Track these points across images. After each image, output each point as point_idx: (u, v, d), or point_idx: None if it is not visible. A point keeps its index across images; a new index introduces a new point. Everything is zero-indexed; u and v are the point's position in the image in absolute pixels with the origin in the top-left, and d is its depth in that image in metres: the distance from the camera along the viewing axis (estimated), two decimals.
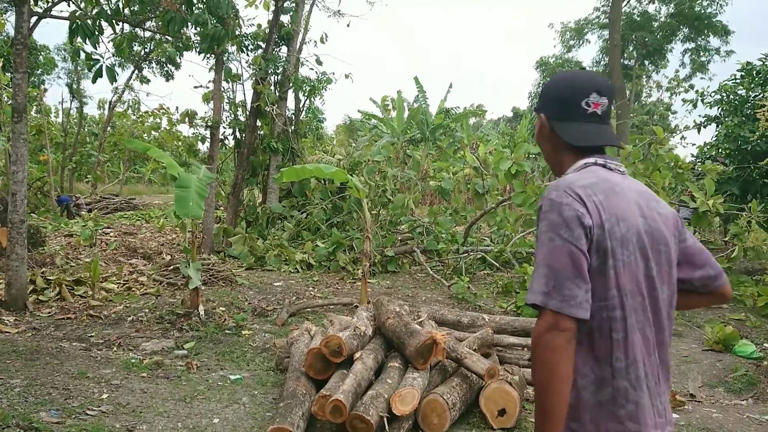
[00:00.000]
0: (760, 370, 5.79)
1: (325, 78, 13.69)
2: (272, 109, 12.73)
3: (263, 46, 13.12)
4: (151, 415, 4.42)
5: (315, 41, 14.21)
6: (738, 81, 12.34)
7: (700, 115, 14.22)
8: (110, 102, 23.19)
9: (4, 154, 17.03)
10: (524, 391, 4.98)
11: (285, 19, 13.27)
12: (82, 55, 7.82)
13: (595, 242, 1.59)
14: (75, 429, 3.96)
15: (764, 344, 6.53)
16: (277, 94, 13.01)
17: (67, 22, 7.09)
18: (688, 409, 5.01)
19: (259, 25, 13.41)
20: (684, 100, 14.43)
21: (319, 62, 13.74)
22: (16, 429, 3.80)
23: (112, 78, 7.51)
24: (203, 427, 4.30)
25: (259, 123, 13.15)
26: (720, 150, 11.96)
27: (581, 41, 26.71)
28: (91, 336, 6.37)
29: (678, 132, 32.30)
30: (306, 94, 13.68)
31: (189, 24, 7.57)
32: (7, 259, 7.08)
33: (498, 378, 4.56)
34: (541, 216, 1.65)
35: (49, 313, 7.15)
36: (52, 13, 7.34)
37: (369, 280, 8.74)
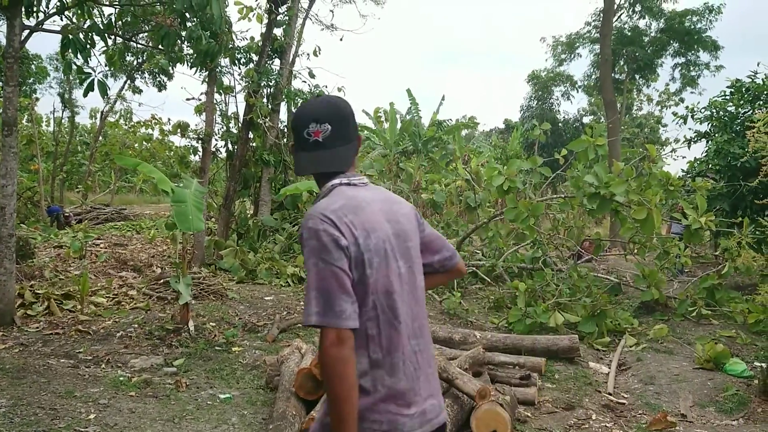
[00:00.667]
0: (751, 390, 5.80)
1: (318, 91, 13.71)
2: (265, 122, 12.72)
3: (256, 58, 13.13)
4: None
5: (308, 54, 14.23)
6: (727, 97, 12.45)
7: (690, 129, 14.32)
8: (102, 112, 23.11)
9: None
10: (515, 411, 4.96)
11: (278, 32, 13.29)
12: (74, 68, 7.79)
13: (353, 259, 1.81)
14: None
15: (755, 363, 6.54)
16: (270, 106, 13.01)
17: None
18: (679, 430, 5.00)
19: (252, 38, 13.42)
20: (674, 114, 14.55)
21: (311, 75, 13.77)
22: None
23: (104, 92, 7.48)
24: None
25: (251, 135, 13.13)
26: (710, 165, 12.04)
27: (572, 55, 26.88)
28: (80, 352, 6.30)
29: (669, 145, 32.55)
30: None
31: (183, 38, 7.56)
32: None
33: (489, 399, 4.54)
34: (304, 243, 1.85)
35: (37, 328, 7.07)
36: (44, 26, 7.31)
37: None
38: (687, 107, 13.39)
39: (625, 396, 5.97)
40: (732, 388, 5.81)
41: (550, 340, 6.87)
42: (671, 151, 19.47)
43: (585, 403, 5.66)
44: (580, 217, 13.51)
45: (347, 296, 1.77)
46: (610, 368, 6.68)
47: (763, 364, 5.90)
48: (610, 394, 5.94)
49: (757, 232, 8.47)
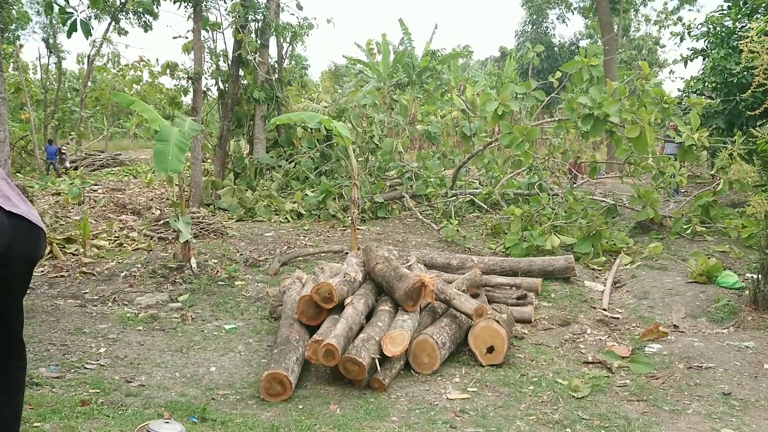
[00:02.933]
0: (742, 300, 5.95)
1: (306, 23, 13.40)
2: (254, 58, 12.50)
3: None
4: (149, 367, 4.53)
5: None
6: (725, 12, 12.17)
7: (688, 48, 14.06)
8: (89, 56, 22.66)
9: None
10: (512, 329, 5.11)
11: None
12: (56, 9, 7.61)
13: None
14: (75, 382, 4.06)
15: (746, 274, 6.68)
16: (258, 41, 12.74)
17: None
18: (670, 339, 5.17)
19: None
20: (672, 33, 14.25)
21: (299, 7, 13.41)
22: None
23: (87, 32, 7.33)
24: (200, 376, 4.42)
25: (241, 72, 12.93)
26: (706, 83, 11.90)
27: None
28: (86, 293, 6.44)
29: (666, 66, 32.03)
30: (288, 41, 13.42)
31: None
32: None
33: (486, 317, 4.67)
34: None
35: (42, 272, 7.19)
36: None
37: (359, 227, 8.81)
38: (683, 24, 13.10)
39: (620, 311, 6.13)
40: (723, 299, 5.96)
41: (545, 261, 7.00)
42: (669, 73, 19.20)
43: (580, 319, 5.82)
44: (576, 142, 13.47)
45: None
46: (605, 286, 6.83)
47: (754, 275, 6.03)
48: (604, 310, 6.10)
49: (749, 143, 8.46)
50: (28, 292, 6.25)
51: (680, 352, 4.85)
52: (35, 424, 3.09)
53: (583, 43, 32.52)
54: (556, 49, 30.45)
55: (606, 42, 17.27)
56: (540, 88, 9.65)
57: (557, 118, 9.78)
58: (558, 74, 9.36)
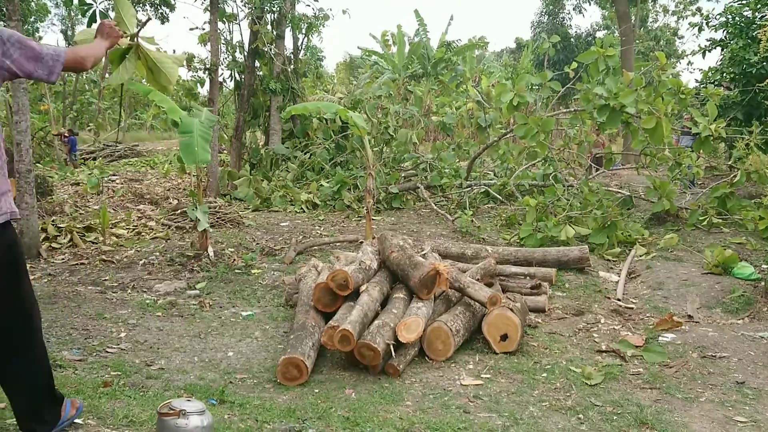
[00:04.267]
0: (758, 291, 5.93)
1: (322, 14, 13.44)
2: (270, 49, 12.57)
3: None
4: (168, 351, 4.62)
5: None
6: (744, 2, 12.03)
7: (706, 39, 13.92)
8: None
9: (4, 105, 16.98)
10: (526, 317, 5.14)
11: None
12: (75, 1, 7.73)
13: None
14: (97, 365, 4.16)
15: (762, 265, 6.65)
16: (274, 33, 12.80)
17: None
18: (685, 329, 5.18)
19: None
20: (690, 24, 14.12)
21: None
22: None
23: None
24: (218, 361, 4.51)
25: (257, 64, 13.00)
26: (724, 74, 11.79)
27: None
28: (105, 280, 6.56)
29: (684, 57, 31.65)
30: (304, 32, 13.46)
31: None
32: (18, 209, 7.19)
33: (500, 305, 4.71)
34: None
35: (63, 259, 7.33)
36: None
37: (374, 217, 8.86)
38: (702, 14, 12.97)
39: (634, 301, 6.13)
40: (739, 290, 5.94)
41: (560, 251, 7.01)
42: (687, 64, 18.98)
43: (594, 309, 5.84)
44: (591, 132, 13.40)
45: None
46: (619, 276, 6.83)
47: None
48: (618, 300, 6.11)
49: (767, 134, 8.38)
50: (49, 279, 6.39)
51: (694, 342, 4.86)
52: None
53: (599, 34, 32.21)
54: (572, 39, 30.18)
55: (623, 32, 17.10)
56: (556, 78, 9.61)
57: (573, 109, 9.74)
58: (574, 65, 9.32)
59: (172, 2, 16.56)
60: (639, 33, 28.27)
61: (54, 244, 7.81)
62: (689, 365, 4.44)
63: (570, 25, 31.49)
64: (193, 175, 9.98)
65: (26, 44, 2.42)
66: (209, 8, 11.65)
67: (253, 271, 6.92)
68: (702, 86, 11.97)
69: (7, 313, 2.50)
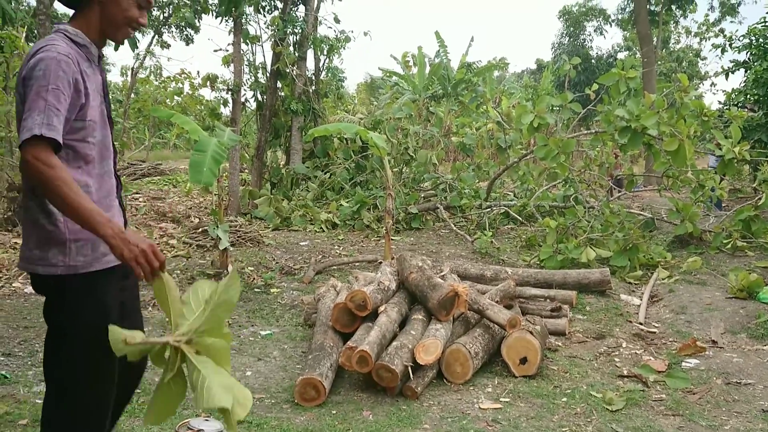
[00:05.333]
0: None
1: (343, 36, 13.61)
2: (292, 70, 12.73)
3: (280, 6, 13.05)
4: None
5: None
6: (767, 24, 11.96)
7: (730, 60, 13.83)
8: (132, 68, 23.35)
9: None
10: (546, 340, 5.09)
11: None
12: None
13: None
14: None
15: None
16: (296, 54, 12.99)
17: None
18: (708, 355, 5.08)
19: None
20: (713, 45, 14.05)
21: (337, 20, 13.64)
22: None
23: (134, 45, 7.60)
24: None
25: (279, 84, 13.17)
26: (748, 96, 11.69)
27: None
28: None
29: (707, 78, 31.43)
30: (325, 54, 13.63)
31: None
32: None
33: (519, 328, 4.67)
34: None
35: None
36: None
37: (393, 237, 8.87)
38: (725, 35, 12.91)
39: (656, 325, 6.04)
40: (764, 315, 5.83)
41: (581, 273, 6.94)
42: (711, 85, 18.85)
43: (615, 333, 5.76)
44: (612, 153, 13.32)
45: None
46: (641, 300, 6.74)
47: None
48: (640, 324, 6.03)
49: None
50: None
51: (718, 368, 4.76)
52: None
53: (621, 56, 32.15)
54: (593, 61, 30.16)
55: (645, 54, 17.06)
56: (576, 100, 9.60)
57: (594, 131, 9.70)
58: (595, 86, 9.30)
59: (198, 24, 16.92)
60: (661, 54, 28.16)
61: None
62: (713, 392, 4.35)
63: (591, 47, 31.51)
64: (215, 194, 10.08)
65: (33, 89, 1.95)
66: (233, 30, 11.86)
67: (272, 290, 6.95)
68: (725, 108, 11.87)
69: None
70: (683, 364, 4.91)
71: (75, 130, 2.05)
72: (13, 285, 6.90)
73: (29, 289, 6.74)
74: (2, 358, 4.49)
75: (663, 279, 7.47)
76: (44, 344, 2.21)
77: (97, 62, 2.22)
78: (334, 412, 3.99)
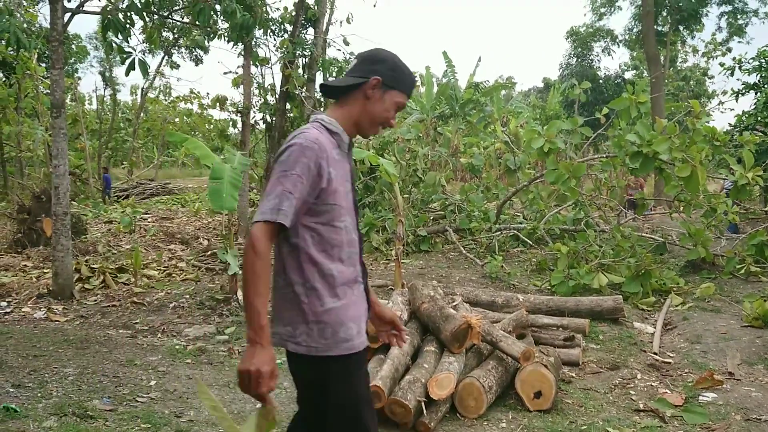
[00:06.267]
0: None
1: (352, 58, 13.67)
2: (301, 92, 12.79)
3: (290, 29, 13.15)
4: (198, 401, 4.59)
5: (341, 22, 14.21)
6: None
7: (738, 80, 13.82)
8: (142, 88, 23.60)
9: (43, 144, 17.50)
10: (559, 372, 5.02)
11: (311, 1, 13.25)
12: (115, 47, 7.98)
13: None
14: (127, 416, 4.15)
15: None
16: (306, 76, 13.05)
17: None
18: (726, 388, 4.99)
19: (286, 8, 13.44)
20: (721, 65, 14.04)
21: (346, 42, 13.76)
22: (72, 417, 4.00)
23: (144, 71, 7.64)
24: (247, 413, 4.46)
25: (288, 106, 13.23)
26: (759, 119, 11.65)
27: (613, 9, 26.04)
28: (136, 323, 6.60)
29: (716, 98, 31.41)
30: (334, 76, 13.69)
31: (218, 13, 7.65)
32: (53, 249, 7.35)
33: (533, 360, 4.61)
34: None
35: (95, 300, 7.41)
36: (85, 8, 7.47)
37: (402, 261, 8.82)
38: (734, 58, 12.93)
39: (671, 355, 5.96)
40: None
41: (593, 301, 6.87)
42: (718, 104, 18.87)
43: (630, 363, 5.68)
44: (623, 177, 13.27)
45: None
46: (655, 328, 6.66)
47: None
48: (655, 354, 5.94)
49: None
50: (81, 321, 6.46)
51: (737, 403, 4.67)
52: None
53: (628, 75, 32.22)
54: (601, 81, 30.20)
55: (653, 76, 17.07)
56: (586, 123, 9.58)
57: (604, 155, 9.67)
58: (605, 110, 9.28)
59: (207, 46, 17.07)
60: (668, 73, 28.18)
61: (87, 285, 7.92)
62: (732, 429, 4.26)
63: (599, 67, 31.57)
64: (225, 214, 10.08)
65: (276, 173, 2.05)
66: (243, 53, 11.95)
67: None
68: (736, 131, 11.82)
69: None
70: (700, 397, 4.82)
71: (319, 213, 2.12)
72: (23, 310, 6.89)
73: (39, 314, 6.74)
74: (12, 390, 4.46)
75: (676, 306, 7.39)
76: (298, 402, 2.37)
77: (347, 150, 2.26)
78: None
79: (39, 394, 4.41)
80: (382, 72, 2.17)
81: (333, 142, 2.17)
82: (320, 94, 13.62)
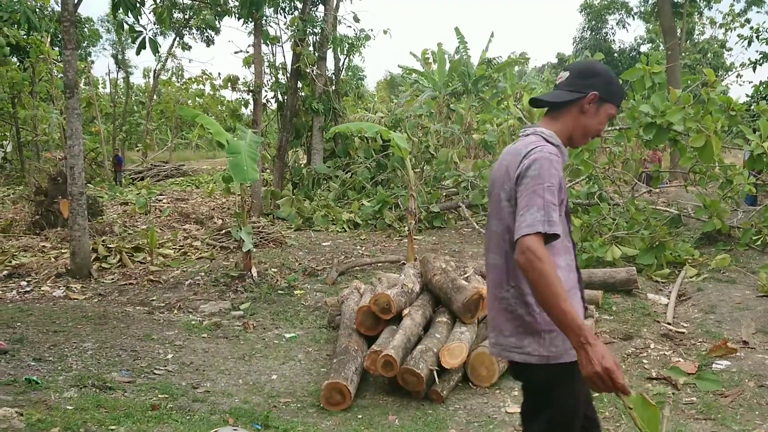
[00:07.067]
0: None
1: (363, 35, 13.60)
2: (312, 70, 12.76)
3: (300, 6, 13.08)
4: (214, 373, 4.68)
5: None
6: None
7: (756, 51, 13.57)
8: (154, 71, 23.62)
9: (58, 127, 17.66)
10: None
11: None
12: (126, 28, 8.01)
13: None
14: (145, 387, 4.24)
15: None
16: (316, 54, 13.01)
17: None
18: (740, 356, 4.98)
19: None
20: (739, 36, 13.79)
21: (356, 19, 13.66)
22: (92, 388, 4.10)
23: (155, 49, 7.66)
24: (262, 384, 4.54)
25: (300, 84, 13.22)
26: None
27: None
28: (153, 300, 6.70)
29: (733, 70, 30.83)
30: (345, 53, 13.64)
31: None
32: (70, 229, 7.45)
33: None
34: None
35: (112, 279, 7.53)
36: None
37: (415, 237, 8.84)
38: (752, 28, 12.66)
39: (685, 325, 5.94)
40: None
41: (606, 272, 6.85)
42: (736, 76, 18.49)
43: (643, 333, 5.68)
44: (637, 150, 13.14)
45: None
46: (669, 299, 6.63)
47: None
48: (669, 324, 5.93)
49: None
50: (99, 299, 6.58)
51: (750, 370, 4.66)
52: (110, 427, 3.25)
53: (644, 48, 31.70)
54: (615, 55, 29.77)
55: (669, 47, 16.78)
56: None
57: (618, 127, 9.57)
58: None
59: (218, 26, 17.04)
60: (685, 46, 27.69)
61: (104, 264, 8.03)
62: (745, 395, 4.26)
63: (613, 40, 31.12)
64: (238, 195, 10.14)
65: (530, 187, 2.04)
66: (253, 32, 11.92)
67: (295, 292, 6.97)
68: (753, 101, 11.63)
69: None
70: (714, 365, 4.81)
71: None
72: (42, 288, 7.01)
73: (58, 292, 6.86)
74: (33, 363, 4.56)
75: (691, 277, 7.35)
76: (521, 407, 2.36)
77: (565, 161, 2.31)
78: (360, 416, 3.99)
79: (59, 367, 4.51)
80: (598, 87, 2.19)
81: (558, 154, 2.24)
82: (331, 71, 13.59)
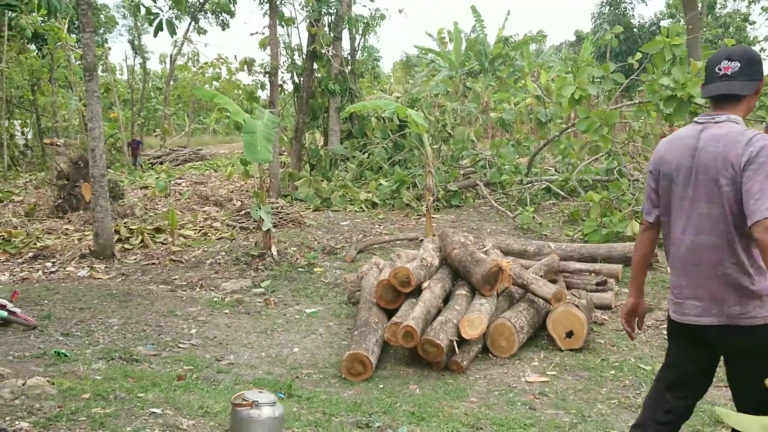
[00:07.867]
0: None
1: (378, 15, 13.53)
2: (328, 51, 12.73)
3: None
4: (237, 347, 4.76)
5: None
6: None
7: None
8: (171, 56, 23.66)
9: (77, 113, 17.84)
10: (591, 314, 5.04)
11: None
12: (143, 10, 8.06)
13: (655, 179, 2.50)
14: (170, 360, 4.33)
15: None
16: (332, 35, 12.97)
17: None
18: None
19: None
20: (763, 8, 13.47)
21: None
22: (119, 360, 4.20)
23: (172, 31, 7.71)
24: (284, 356, 4.61)
25: (315, 66, 13.20)
26: None
27: None
28: (175, 279, 6.80)
29: (757, 44, 30.20)
30: (360, 33, 13.58)
31: None
32: (93, 211, 7.57)
33: (565, 301, 4.63)
34: None
35: (135, 259, 7.65)
36: None
37: (433, 215, 8.85)
38: None
39: None
40: None
41: (626, 246, 6.81)
42: (760, 51, 18.06)
43: (663, 306, 5.65)
44: (658, 125, 12.98)
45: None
46: None
47: None
48: None
49: None
50: (123, 278, 6.69)
51: None
52: (138, 395, 3.33)
53: (664, 23, 31.10)
54: (635, 30, 29.27)
55: (689, 20, 16.45)
56: (619, 70, 9.35)
57: (637, 101, 9.46)
58: (638, 56, 9.03)
59: (233, 9, 17.03)
60: (707, 20, 27.15)
61: (126, 245, 8.16)
62: None
63: (633, 15, 30.56)
64: (256, 177, 10.16)
65: (762, 173, 2.21)
66: (268, 13, 11.91)
67: (315, 270, 7.04)
68: None
69: None
70: None
71: None
72: (67, 269, 7.15)
73: (82, 272, 6.99)
74: (61, 338, 4.68)
75: None
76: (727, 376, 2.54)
77: None
78: (381, 386, 4.04)
79: (87, 342, 4.62)
80: (763, 73, 2.44)
81: None
82: (347, 51, 13.54)
